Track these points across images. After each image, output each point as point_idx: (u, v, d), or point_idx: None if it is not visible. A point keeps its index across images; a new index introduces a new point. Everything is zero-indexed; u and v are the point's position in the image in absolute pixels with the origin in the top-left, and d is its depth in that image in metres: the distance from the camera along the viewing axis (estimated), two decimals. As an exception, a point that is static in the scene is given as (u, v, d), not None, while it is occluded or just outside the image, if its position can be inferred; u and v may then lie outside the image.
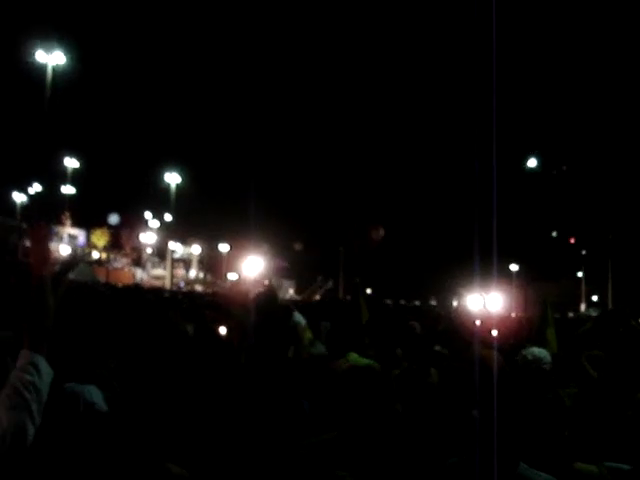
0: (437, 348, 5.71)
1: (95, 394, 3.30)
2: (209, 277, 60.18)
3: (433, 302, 47.64)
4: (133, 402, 2.51)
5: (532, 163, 56.70)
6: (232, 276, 52.64)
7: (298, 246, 41.39)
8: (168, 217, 55.64)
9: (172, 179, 51.44)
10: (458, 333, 5.67)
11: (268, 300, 5.69)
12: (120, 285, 26.97)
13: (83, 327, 3.86)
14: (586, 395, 4.59)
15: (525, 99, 60.13)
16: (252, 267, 17.90)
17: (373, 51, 60.02)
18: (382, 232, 21.20)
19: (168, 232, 55.55)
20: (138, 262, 58.21)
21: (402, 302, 43.27)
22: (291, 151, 55.62)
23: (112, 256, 56.81)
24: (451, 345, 5.65)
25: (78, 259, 40.90)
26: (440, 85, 58.52)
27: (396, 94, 58.59)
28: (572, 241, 54.51)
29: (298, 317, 5.63)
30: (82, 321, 3.91)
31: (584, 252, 54.22)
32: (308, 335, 5.82)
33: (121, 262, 56.71)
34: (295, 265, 49.35)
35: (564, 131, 61.08)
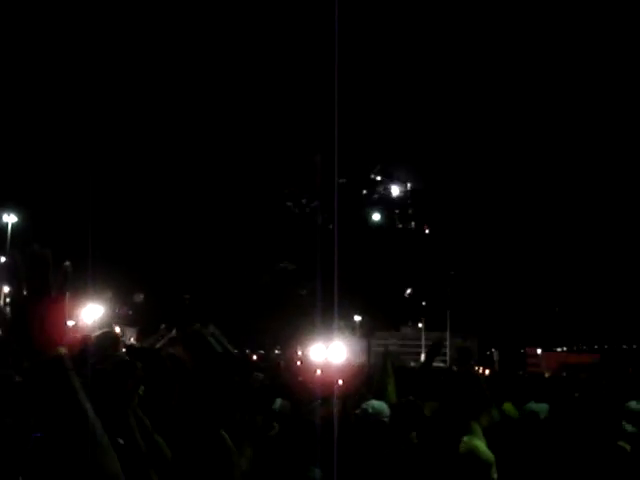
0: (278, 401, 5.61)
1: None
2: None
3: (277, 351, 47.62)
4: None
5: (376, 217, 58.55)
6: (69, 323, 50.48)
7: (137, 297, 40.39)
8: (2, 259, 52.95)
9: (9, 219, 49.05)
10: (298, 385, 5.61)
11: (106, 345, 5.39)
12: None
13: None
14: (425, 446, 4.64)
15: (370, 153, 62.16)
16: (91, 314, 17.23)
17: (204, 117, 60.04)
18: None
19: (2, 274, 52.74)
20: (-33, 306, 54.74)
21: (247, 351, 42.93)
22: (130, 199, 54.44)
23: (-62, 300, 53.17)
24: (292, 398, 5.57)
25: None
26: (278, 134, 59.39)
27: (233, 142, 58.84)
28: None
29: None
30: None
31: (424, 303, 56.25)
32: None
33: (-52, 306, 53.12)
34: (138, 312, 48.07)
35: (409, 185, 63.48)
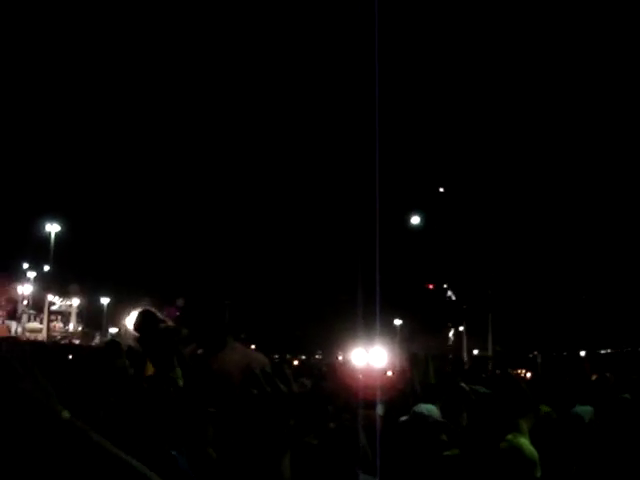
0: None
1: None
2: (88, 330, 58.20)
3: (318, 356, 47.67)
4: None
5: (415, 220, 58.22)
6: (113, 330, 51.15)
7: (180, 302, 40.70)
8: (47, 268, 53.75)
9: (52, 228, 49.83)
10: (340, 390, 5.63)
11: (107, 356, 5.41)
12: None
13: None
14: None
15: (408, 157, 61.99)
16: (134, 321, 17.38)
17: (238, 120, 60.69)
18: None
19: (46, 283, 53.56)
20: (13, 315, 55.65)
21: (288, 356, 43.08)
22: (174, 202, 55.05)
23: (-16, 309, 54.16)
24: (335, 403, 5.58)
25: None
26: (321, 140, 59.60)
27: (274, 145, 59.23)
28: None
29: None
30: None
31: (465, 306, 55.78)
32: None
33: (-6, 315, 54.13)
34: (177, 319, 48.48)
35: (445, 188, 63.17)
